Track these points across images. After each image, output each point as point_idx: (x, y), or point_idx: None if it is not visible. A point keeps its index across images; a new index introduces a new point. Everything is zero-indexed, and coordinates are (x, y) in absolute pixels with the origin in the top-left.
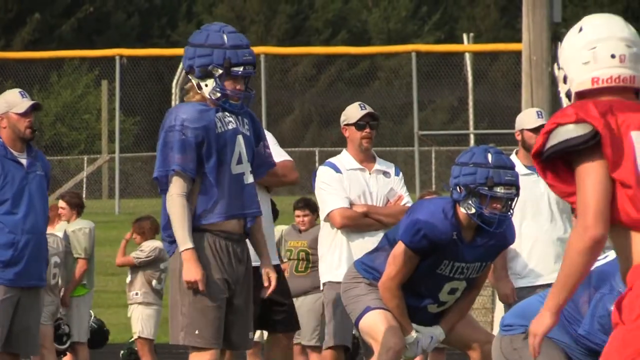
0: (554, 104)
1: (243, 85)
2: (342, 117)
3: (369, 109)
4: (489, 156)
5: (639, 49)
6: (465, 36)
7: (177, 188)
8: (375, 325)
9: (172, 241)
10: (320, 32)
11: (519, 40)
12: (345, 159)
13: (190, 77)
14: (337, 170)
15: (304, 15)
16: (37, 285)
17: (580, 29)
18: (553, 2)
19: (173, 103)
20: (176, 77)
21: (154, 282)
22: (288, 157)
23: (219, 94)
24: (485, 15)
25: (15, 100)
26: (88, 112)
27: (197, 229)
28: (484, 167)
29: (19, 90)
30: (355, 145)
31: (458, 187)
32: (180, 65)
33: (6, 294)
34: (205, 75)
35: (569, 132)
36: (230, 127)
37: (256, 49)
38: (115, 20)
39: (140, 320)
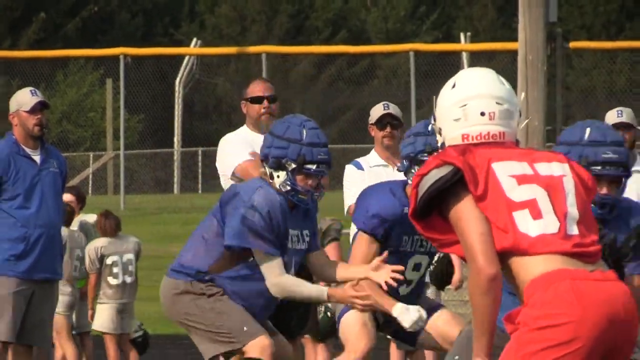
0: (549, 103)
1: (315, 181)
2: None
3: (391, 109)
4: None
5: (510, 105)
6: (462, 35)
7: (275, 273)
8: (348, 326)
9: (177, 271)
10: (321, 31)
11: (516, 40)
12: (371, 156)
13: (265, 165)
14: (360, 167)
15: (305, 15)
16: (51, 279)
17: (454, 85)
18: (549, 1)
19: (176, 101)
20: (179, 76)
21: (109, 279)
22: None
23: (289, 187)
24: (482, 15)
25: (24, 99)
26: (93, 110)
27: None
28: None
29: (30, 88)
30: (378, 143)
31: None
32: (184, 64)
33: (19, 286)
34: (278, 166)
35: (432, 177)
36: (296, 247)
37: (258, 48)
38: (120, 19)
39: (98, 315)
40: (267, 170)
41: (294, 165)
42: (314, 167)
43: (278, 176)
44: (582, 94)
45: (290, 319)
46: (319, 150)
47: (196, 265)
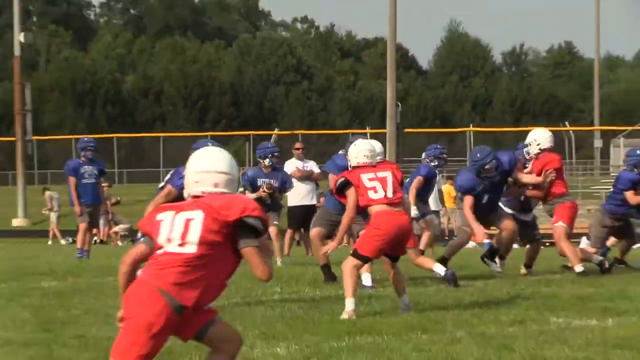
0: (397, 158)
1: (277, 159)
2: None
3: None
4: None
5: (375, 152)
6: (367, 127)
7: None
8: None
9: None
10: (319, 124)
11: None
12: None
13: (260, 159)
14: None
15: (313, 117)
16: None
17: (355, 144)
18: (397, 115)
19: None
20: (271, 141)
21: None
22: (318, 170)
23: (271, 163)
24: (375, 120)
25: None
26: (239, 157)
27: None
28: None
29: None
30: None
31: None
32: (272, 137)
33: None
34: (265, 157)
35: (339, 181)
36: (263, 185)
37: (297, 131)
38: (249, 122)
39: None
40: (261, 160)
41: (270, 155)
42: (276, 154)
43: (265, 161)
44: (413, 154)
45: (308, 220)
46: (274, 149)
47: None
